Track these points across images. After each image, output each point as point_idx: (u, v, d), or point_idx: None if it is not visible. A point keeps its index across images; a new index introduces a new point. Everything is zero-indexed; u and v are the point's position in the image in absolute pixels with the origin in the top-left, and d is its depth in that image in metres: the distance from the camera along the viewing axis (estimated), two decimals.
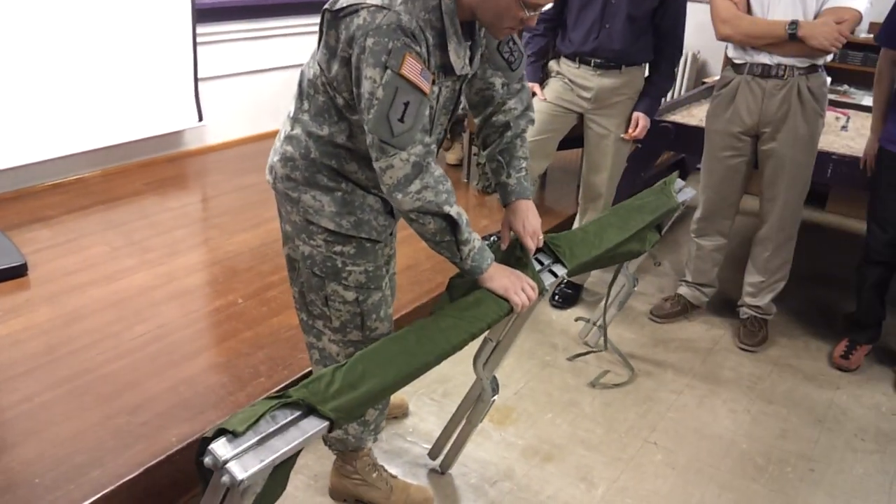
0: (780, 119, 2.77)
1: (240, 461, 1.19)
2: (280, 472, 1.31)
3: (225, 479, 1.18)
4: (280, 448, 1.24)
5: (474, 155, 3.78)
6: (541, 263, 1.83)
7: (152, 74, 3.78)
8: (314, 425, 1.30)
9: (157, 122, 3.89)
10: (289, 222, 1.76)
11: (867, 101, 4.48)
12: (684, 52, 4.84)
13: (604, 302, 2.71)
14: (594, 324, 2.89)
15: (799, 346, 3.05)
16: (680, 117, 3.66)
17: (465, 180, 4.12)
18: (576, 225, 3.15)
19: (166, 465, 1.94)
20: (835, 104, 4.01)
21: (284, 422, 1.28)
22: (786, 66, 2.72)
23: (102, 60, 3.59)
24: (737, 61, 2.83)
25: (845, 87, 4.72)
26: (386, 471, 2.08)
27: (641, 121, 2.96)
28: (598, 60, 2.89)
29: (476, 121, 1.90)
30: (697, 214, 3.10)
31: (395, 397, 2.41)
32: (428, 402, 2.53)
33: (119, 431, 2.03)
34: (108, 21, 3.56)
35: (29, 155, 3.42)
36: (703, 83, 4.80)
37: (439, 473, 2.22)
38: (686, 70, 5.23)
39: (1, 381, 2.21)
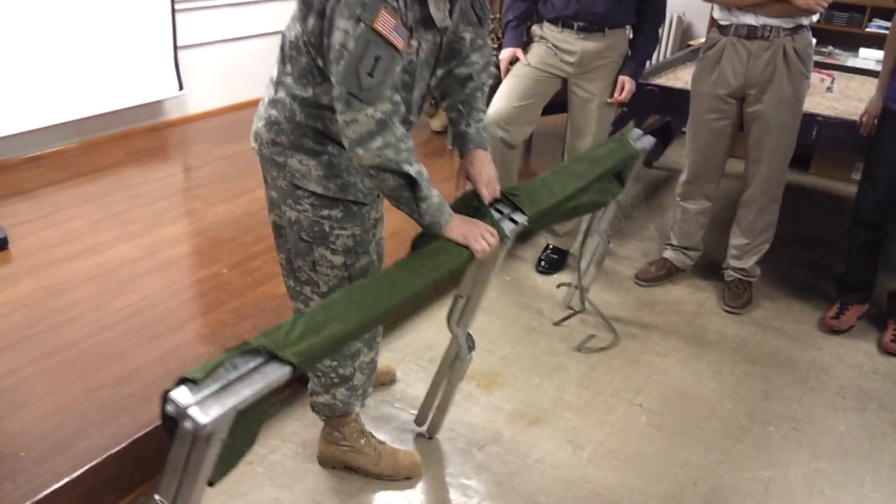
0: (765, 80, 2.75)
1: (201, 406, 1.18)
2: (247, 424, 1.30)
3: (187, 424, 1.17)
4: (242, 393, 1.23)
5: None
6: (500, 213, 1.82)
7: (130, 43, 3.70)
8: (276, 371, 1.28)
9: (137, 91, 3.83)
10: (275, 188, 1.75)
11: (852, 62, 4.49)
12: (669, 14, 4.81)
13: (579, 262, 2.70)
14: (574, 286, 2.90)
15: (782, 307, 3.07)
16: (665, 80, 3.64)
17: (451, 147, 4.08)
18: None
19: (153, 437, 1.93)
20: (820, 66, 4.00)
21: (245, 369, 1.26)
22: (771, 26, 2.70)
23: (78, 29, 3.51)
24: (722, 23, 2.80)
25: (830, 48, 4.71)
26: (374, 437, 2.09)
27: (627, 84, 2.94)
28: (581, 24, 2.86)
29: (437, 72, 1.85)
30: (683, 178, 3.10)
31: (382, 364, 2.42)
32: (415, 368, 2.54)
33: (104, 404, 2.02)
34: None
35: (4, 127, 3.35)
36: (689, 46, 4.77)
37: (427, 438, 2.23)
38: (671, 32, 5.19)
39: None
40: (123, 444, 1.88)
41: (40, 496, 1.72)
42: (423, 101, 1.78)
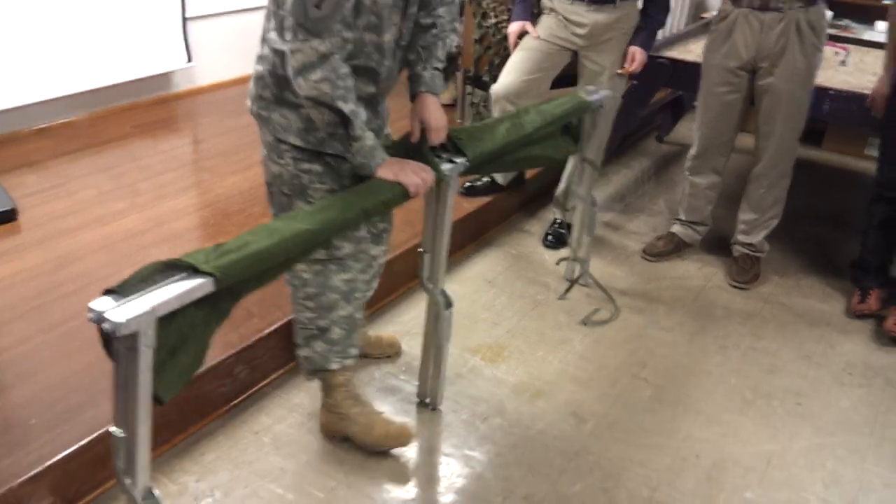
0: (777, 53, 2.72)
1: (119, 310, 1.24)
2: (180, 335, 1.36)
3: (106, 326, 1.22)
4: (161, 297, 1.28)
5: (468, 94, 3.72)
6: (439, 157, 1.89)
7: (139, 14, 3.69)
8: (197, 282, 1.34)
9: (145, 63, 3.82)
10: (264, 143, 1.82)
11: (868, 35, 4.41)
12: None
13: (570, 233, 2.73)
14: (573, 259, 2.91)
15: (790, 283, 3.06)
16: (677, 53, 3.60)
17: (459, 121, 4.07)
18: (569, 167, 3.12)
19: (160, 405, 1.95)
20: (835, 39, 3.93)
21: (166, 282, 1.32)
22: None
23: (87, 2, 3.50)
24: None
25: (846, 21, 4.63)
26: (369, 405, 2.11)
27: (638, 55, 2.91)
28: None
29: (409, 19, 1.84)
30: (692, 152, 3.07)
31: (388, 336, 2.45)
32: (421, 340, 2.54)
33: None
34: None
35: (13, 99, 3.36)
36: (702, 18, 4.70)
37: (430, 409, 2.25)
38: (684, 5, 5.12)
39: None
40: None
41: (51, 462, 1.75)
42: (400, 48, 1.79)
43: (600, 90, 2.52)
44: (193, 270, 1.35)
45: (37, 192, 2.98)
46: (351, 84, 1.60)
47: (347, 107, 1.59)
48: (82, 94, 3.63)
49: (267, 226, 1.53)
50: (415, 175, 1.73)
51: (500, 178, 3.29)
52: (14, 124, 3.44)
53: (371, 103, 1.82)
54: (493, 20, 3.40)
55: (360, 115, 1.63)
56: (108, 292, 1.27)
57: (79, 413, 1.89)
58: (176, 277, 1.34)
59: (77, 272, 2.48)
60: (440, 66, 1.90)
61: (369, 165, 1.69)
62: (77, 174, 3.14)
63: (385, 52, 1.73)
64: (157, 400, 1.38)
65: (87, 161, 3.27)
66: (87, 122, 3.67)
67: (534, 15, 3.02)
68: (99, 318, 1.24)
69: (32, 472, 1.72)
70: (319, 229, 1.57)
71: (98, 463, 1.85)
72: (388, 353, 2.45)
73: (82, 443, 1.81)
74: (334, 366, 2.01)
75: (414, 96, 1.89)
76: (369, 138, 1.66)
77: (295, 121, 1.73)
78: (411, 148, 1.89)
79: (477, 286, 2.90)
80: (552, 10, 2.94)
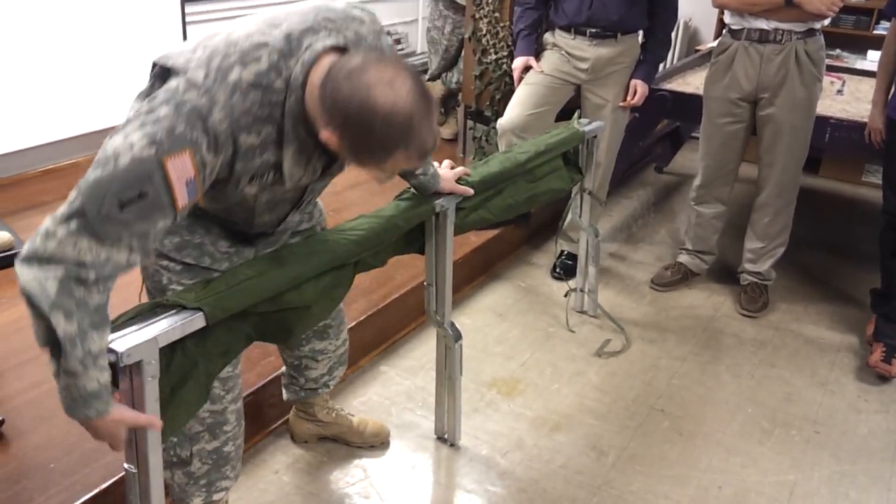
0: (778, 84, 2.76)
1: (120, 340, 1.26)
2: (182, 372, 1.39)
3: (111, 357, 1.24)
4: (160, 326, 1.31)
5: (470, 129, 3.75)
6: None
7: (142, 57, 3.71)
8: (188, 315, 1.36)
9: None
10: None
11: (860, 64, 4.50)
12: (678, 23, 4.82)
13: (579, 263, 2.84)
14: (580, 290, 2.92)
15: (799, 310, 3.07)
16: (675, 85, 3.65)
17: (462, 155, 4.10)
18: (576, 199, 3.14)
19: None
20: (829, 69, 4.00)
21: (158, 318, 1.34)
22: (783, 30, 2.71)
23: (93, 44, 3.53)
24: (734, 27, 2.82)
25: (838, 51, 4.72)
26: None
27: (640, 88, 2.95)
28: (594, 30, 2.87)
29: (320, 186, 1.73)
30: (696, 182, 3.10)
31: (375, 424, 2.22)
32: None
33: None
34: (99, 3, 3.51)
35: (21, 141, 3.37)
36: (697, 50, 4.78)
37: (449, 446, 2.23)
38: (678, 37, 5.21)
39: (7, 369, 2.20)
40: None
41: None
42: (296, 208, 1.59)
43: (594, 123, 2.58)
44: (181, 308, 1.37)
45: None
46: (100, 319, 1.19)
47: (65, 327, 1.15)
48: (88, 135, 3.63)
49: (255, 261, 1.54)
50: (116, 440, 1.29)
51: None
52: (22, 166, 3.44)
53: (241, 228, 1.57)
54: (494, 56, 3.44)
55: (92, 347, 1.17)
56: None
57: (98, 457, 1.86)
58: (167, 314, 1.36)
59: None
60: (428, 171, 1.86)
61: (75, 412, 1.22)
62: None
63: (272, 220, 1.57)
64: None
65: None
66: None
67: (536, 51, 3.06)
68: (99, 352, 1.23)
69: None
70: (312, 264, 1.58)
71: None
72: (372, 442, 2.20)
73: (102, 486, 1.79)
74: (196, 501, 1.68)
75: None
76: (92, 380, 1.19)
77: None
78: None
79: (487, 319, 2.90)
80: (555, 45, 2.98)
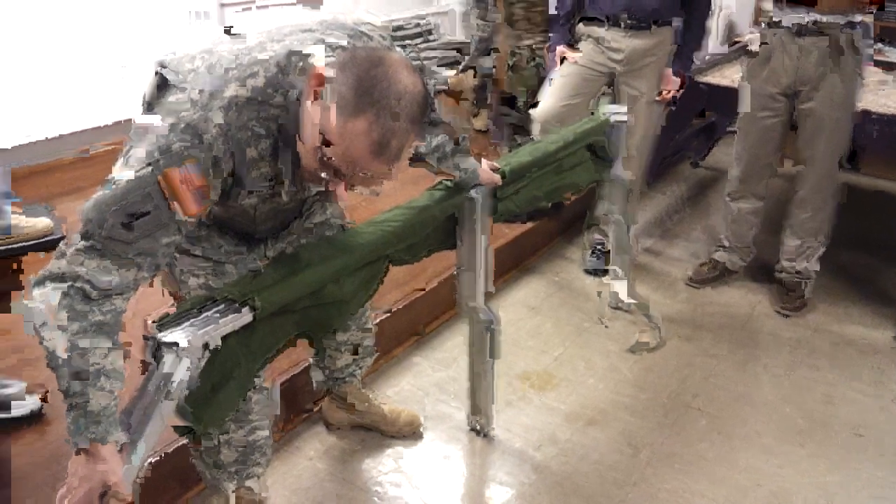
0: (818, 77, 2.70)
1: (178, 334, 1.27)
2: (223, 373, 1.38)
3: (164, 351, 1.24)
4: (208, 326, 1.30)
5: (504, 115, 3.70)
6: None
7: (180, 43, 3.75)
8: (237, 313, 1.35)
9: None
10: None
11: None
12: (713, 11, 4.75)
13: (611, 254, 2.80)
14: (612, 278, 2.89)
15: (839, 310, 3.01)
16: (712, 78, 3.60)
17: (495, 141, 4.06)
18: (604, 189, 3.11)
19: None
20: (871, 62, 3.92)
21: (209, 313, 1.34)
22: (824, 22, 2.65)
23: (129, 34, 3.57)
24: (773, 19, 2.76)
25: (880, 44, 4.61)
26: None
27: (675, 80, 2.91)
28: (629, 21, 2.83)
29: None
30: (733, 177, 3.05)
31: (407, 414, 2.23)
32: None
33: None
34: None
35: (58, 127, 3.42)
36: (735, 43, 4.70)
37: (482, 437, 2.22)
38: (716, 30, 5.13)
39: None
40: (182, 442, 1.89)
41: None
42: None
43: (619, 111, 2.53)
44: (231, 302, 1.36)
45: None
46: (94, 322, 1.18)
47: (60, 338, 1.15)
48: (124, 121, 3.67)
49: (298, 254, 1.53)
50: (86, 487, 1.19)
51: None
52: (59, 151, 3.49)
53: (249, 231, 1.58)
54: (527, 42, 3.41)
55: (88, 357, 1.16)
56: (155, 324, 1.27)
57: None
58: (215, 309, 1.35)
59: None
60: (463, 164, 1.84)
61: (72, 439, 1.19)
62: None
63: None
64: (193, 437, 1.40)
65: None
66: None
67: (570, 41, 3.03)
68: (156, 344, 1.25)
69: None
70: (354, 257, 1.57)
71: (158, 488, 1.84)
72: (405, 432, 2.20)
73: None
74: (228, 490, 1.71)
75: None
76: (97, 403, 1.17)
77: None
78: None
79: (520, 313, 2.88)
80: (589, 35, 2.95)
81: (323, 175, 1.27)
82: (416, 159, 1.78)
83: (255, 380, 1.63)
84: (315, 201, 1.61)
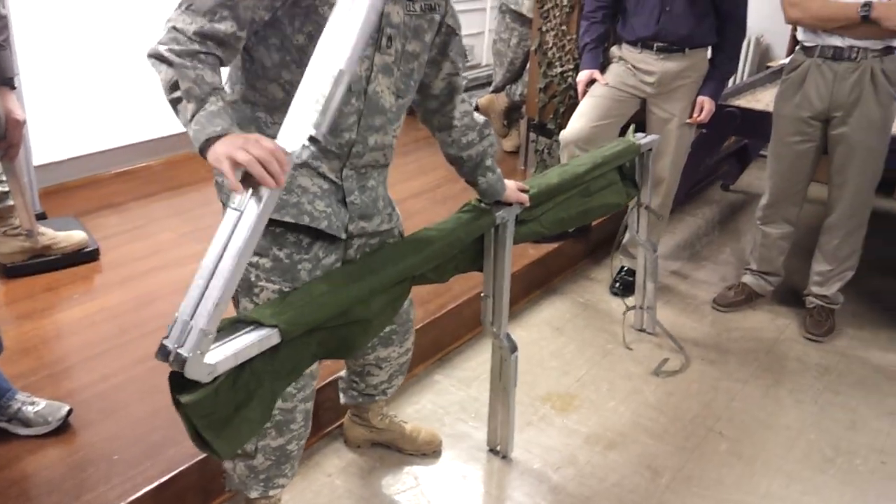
0: (851, 103, 2.69)
1: (209, 354, 1.29)
2: (248, 393, 1.39)
3: (189, 365, 1.25)
4: (237, 346, 1.33)
5: (532, 142, 3.75)
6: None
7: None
8: (263, 332, 1.38)
9: None
10: None
11: None
12: (747, 36, 4.73)
13: (637, 279, 2.82)
14: (639, 307, 2.89)
15: (867, 336, 2.97)
16: (745, 102, 3.58)
17: (523, 167, 4.10)
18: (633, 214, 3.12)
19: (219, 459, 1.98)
20: None
21: (235, 334, 1.37)
22: (859, 48, 2.63)
23: None
24: (807, 44, 2.75)
25: None
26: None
27: (707, 105, 2.91)
28: (661, 45, 2.84)
29: (429, 106, 1.79)
30: (764, 201, 3.03)
31: (426, 432, 2.25)
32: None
33: None
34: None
35: (97, 143, 3.52)
36: (768, 67, 4.68)
37: (501, 458, 2.23)
38: (749, 54, 5.11)
39: (78, 362, 2.29)
40: (202, 457, 1.93)
41: (132, 498, 1.79)
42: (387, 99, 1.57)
43: (649, 137, 2.57)
44: (258, 325, 1.39)
45: (118, 233, 3.09)
46: (209, 64, 1.36)
47: (175, 59, 1.36)
48: (160, 139, 3.77)
49: (328, 276, 1.57)
50: (250, 152, 1.24)
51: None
52: (98, 167, 3.60)
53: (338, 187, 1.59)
54: (559, 69, 3.44)
55: (206, 78, 1.34)
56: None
57: (161, 450, 1.93)
58: (242, 331, 1.38)
59: (157, 312, 2.55)
60: (490, 172, 1.87)
61: (198, 138, 1.30)
62: (156, 216, 3.25)
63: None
64: (216, 454, 1.40)
65: (165, 204, 3.39)
66: (165, 166, 3.81)
67: (601, 64, 3.05)
68: (179, 360, 1.25)
69: None
70: (381, 279, 1.59)
71: (178, 499, 1.88)
72: (424, 450, 2.22)
73: (163, 479, 1.85)
74: (254, 494, 1.76)
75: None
76: (213, 104, 1.32)
77: None
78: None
79: (544, 333, 2.89)
80: (621, 58, 2.97)
81: None
82: (453, 161, 1.85)
83: (304, 390, 1.69)
84: (377, 96, 1.55)
